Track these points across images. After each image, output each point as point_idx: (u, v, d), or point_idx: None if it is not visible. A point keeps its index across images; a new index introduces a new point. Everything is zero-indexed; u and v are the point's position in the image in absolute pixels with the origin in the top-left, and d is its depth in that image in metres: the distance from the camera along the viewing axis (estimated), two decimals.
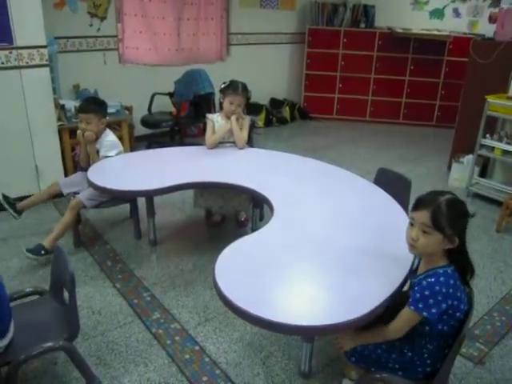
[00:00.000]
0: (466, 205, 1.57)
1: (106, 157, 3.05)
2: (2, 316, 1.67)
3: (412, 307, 1.53)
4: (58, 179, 3.29)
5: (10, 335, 1.69)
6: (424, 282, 1.54)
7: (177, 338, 2.32)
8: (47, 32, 3.49)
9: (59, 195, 3.23)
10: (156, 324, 2.42)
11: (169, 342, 2.29)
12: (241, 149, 3.22)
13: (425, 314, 1.50)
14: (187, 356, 2.20)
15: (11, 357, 1.70)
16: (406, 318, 1.58)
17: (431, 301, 1.50)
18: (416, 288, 1.55)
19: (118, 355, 2.20)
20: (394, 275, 1.73)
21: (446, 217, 1.50)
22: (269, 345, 2.29)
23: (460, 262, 1.60)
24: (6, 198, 3.17)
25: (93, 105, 3.07)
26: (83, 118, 3.02)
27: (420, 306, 1.51)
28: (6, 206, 3.14)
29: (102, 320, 2.44)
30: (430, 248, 1.57)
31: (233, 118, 3.19)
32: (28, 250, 2.83)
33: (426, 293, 1.51)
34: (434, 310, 1.50)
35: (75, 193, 3.03)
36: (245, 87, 3.23)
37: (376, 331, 1.68)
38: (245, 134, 3.23)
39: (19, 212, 3.18)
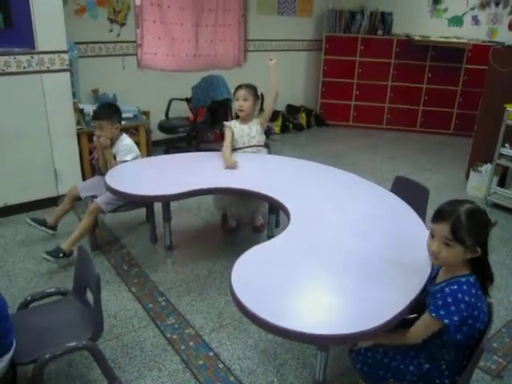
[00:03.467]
0: (486, 213, 1.55)
1: (123, 161, 3.07)
2: (7, 331, 1.65)
3: (433, 314, 1.50)
4: (76, 184, 3.31)
5: (12, 348, 1.68)
6: (447, 289, 1.52)
7: (191, 344, 2.31)
8: (68, 37, 3.54)
9: (77, 199, 3.25)
10: (170, 329, 2.42)
11: (183, 347, 2.29)
12: (261, 124, 3.37)
13: (446, 321, 1.48)
14: (201, 362, 2.20)
15: (36, 355, 1.71)
16: (425, 324, 1.56)
17: (453, 308, 1.48)
18: (438, 295, 1.53)
19: (132, 359, 2.21)
20: (412, 284, 1.70)
21: (466, 228, 1.48)
22: (283, 352, 2.28)
23: (482, 272, 1.58)
24: (34, 220, 3.19)
25: (105, 111, 3.07)
26: (97, 125, 3.05)
27: (441, 312, 1.49)
28: (39, 226, 3.18)
29: (117, 323, 2.45)
30: (452, 260, 1.56)
31: (272, 62, 3.29)
32: (47, 253, 2.86)
33: (449, 300, 1.49)
34: (455, 318, 1.47)
35: (93, 196, 3.06)
36: (249, 85, 3.28)
37: (397, 334, 1.65)
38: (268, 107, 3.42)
39: (53, 228, 3.22)
